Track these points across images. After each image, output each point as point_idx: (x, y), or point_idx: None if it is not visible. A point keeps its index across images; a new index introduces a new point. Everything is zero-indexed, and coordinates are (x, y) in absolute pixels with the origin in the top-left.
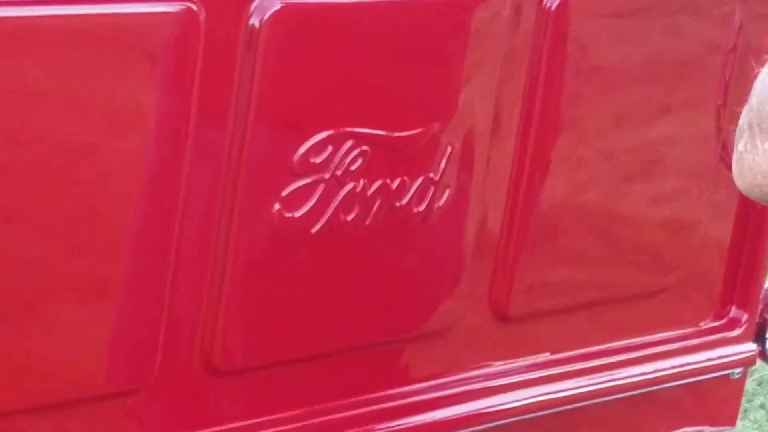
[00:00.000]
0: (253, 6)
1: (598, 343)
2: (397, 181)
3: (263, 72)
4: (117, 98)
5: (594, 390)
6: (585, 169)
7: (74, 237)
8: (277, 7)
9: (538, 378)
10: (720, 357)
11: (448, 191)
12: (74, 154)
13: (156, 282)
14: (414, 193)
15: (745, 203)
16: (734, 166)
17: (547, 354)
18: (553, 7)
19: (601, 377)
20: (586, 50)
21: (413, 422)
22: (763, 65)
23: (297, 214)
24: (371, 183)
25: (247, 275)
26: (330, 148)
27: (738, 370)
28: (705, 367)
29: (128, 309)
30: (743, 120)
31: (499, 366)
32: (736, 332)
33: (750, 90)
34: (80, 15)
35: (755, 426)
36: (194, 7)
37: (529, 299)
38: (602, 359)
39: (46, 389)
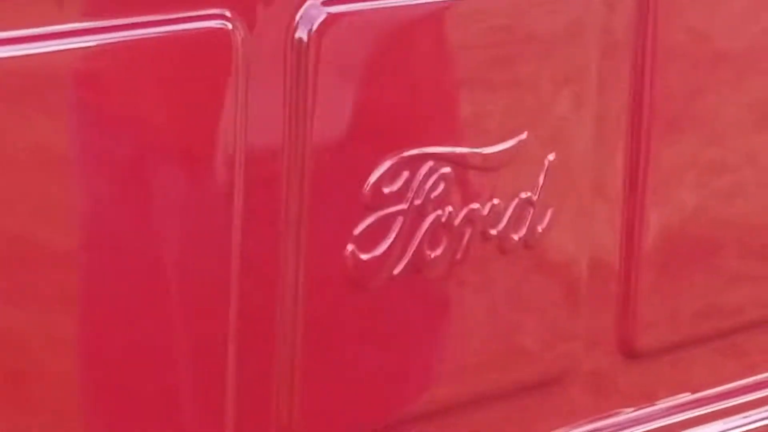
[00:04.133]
0: (298, 16)
1: (750, 375)
2: (489, 205)
3: (317, 92)
4: (148, 139)
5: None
6: (721, 174)
7: (114, 305)
8: (327, 14)
9: (679, 423)
10: None
11: (550, 211)
12: (109, 201)
13: (215, 351)
14: (510, 217)
15: None
16: None
17: (688, 394)
18: None
19: (756, 415)
20: (706, 34)
21: None
22: None
23: (374, 255)
24: (458, 210)
25: (321, 333)
26: (405, 174)
27: None
28: None
29: (186, 384)
30: None
31: (630, 413)
32: None
33: None
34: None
35: None
36: (228, 25)
37: (662, 330)
38: (758, 393)
39: None
